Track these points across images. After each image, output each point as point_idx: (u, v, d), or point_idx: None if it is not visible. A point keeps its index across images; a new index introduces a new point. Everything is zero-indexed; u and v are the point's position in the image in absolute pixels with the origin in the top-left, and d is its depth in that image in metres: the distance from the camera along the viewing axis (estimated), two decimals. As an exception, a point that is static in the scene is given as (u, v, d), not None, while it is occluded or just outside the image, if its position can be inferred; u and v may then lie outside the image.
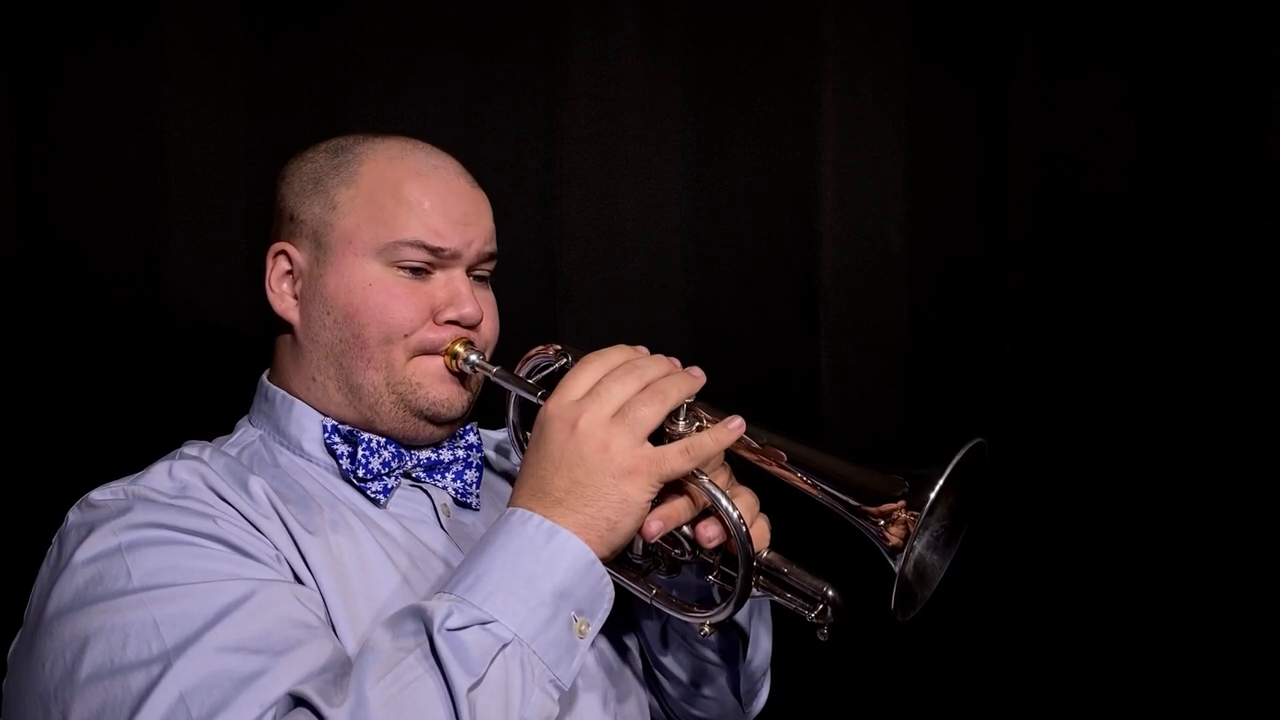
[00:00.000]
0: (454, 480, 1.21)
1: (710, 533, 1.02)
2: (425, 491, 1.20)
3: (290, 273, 1.18)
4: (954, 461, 0.94)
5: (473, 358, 1.15)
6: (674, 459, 0.98)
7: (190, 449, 1.13)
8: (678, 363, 1.06)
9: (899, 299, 1.94)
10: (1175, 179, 1.87)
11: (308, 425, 1.16)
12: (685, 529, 1.04)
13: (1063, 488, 1.90)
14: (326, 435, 1.15)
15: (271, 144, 1.67)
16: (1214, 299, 1.85)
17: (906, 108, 1.91)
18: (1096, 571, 1.89)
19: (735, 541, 1.00)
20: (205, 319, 1.70)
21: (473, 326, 1.17)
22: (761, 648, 1.26)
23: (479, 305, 1.17)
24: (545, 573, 0.93)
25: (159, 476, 1.05)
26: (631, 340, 1.08)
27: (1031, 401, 1.91)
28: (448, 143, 1.27)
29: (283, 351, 1.21)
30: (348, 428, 1.16)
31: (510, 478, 1.34)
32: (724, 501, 1.00)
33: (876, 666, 1.89)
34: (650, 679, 1.31)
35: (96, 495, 1.03)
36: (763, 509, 1.07)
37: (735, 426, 1.01)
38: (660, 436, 1.01)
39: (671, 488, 1.01)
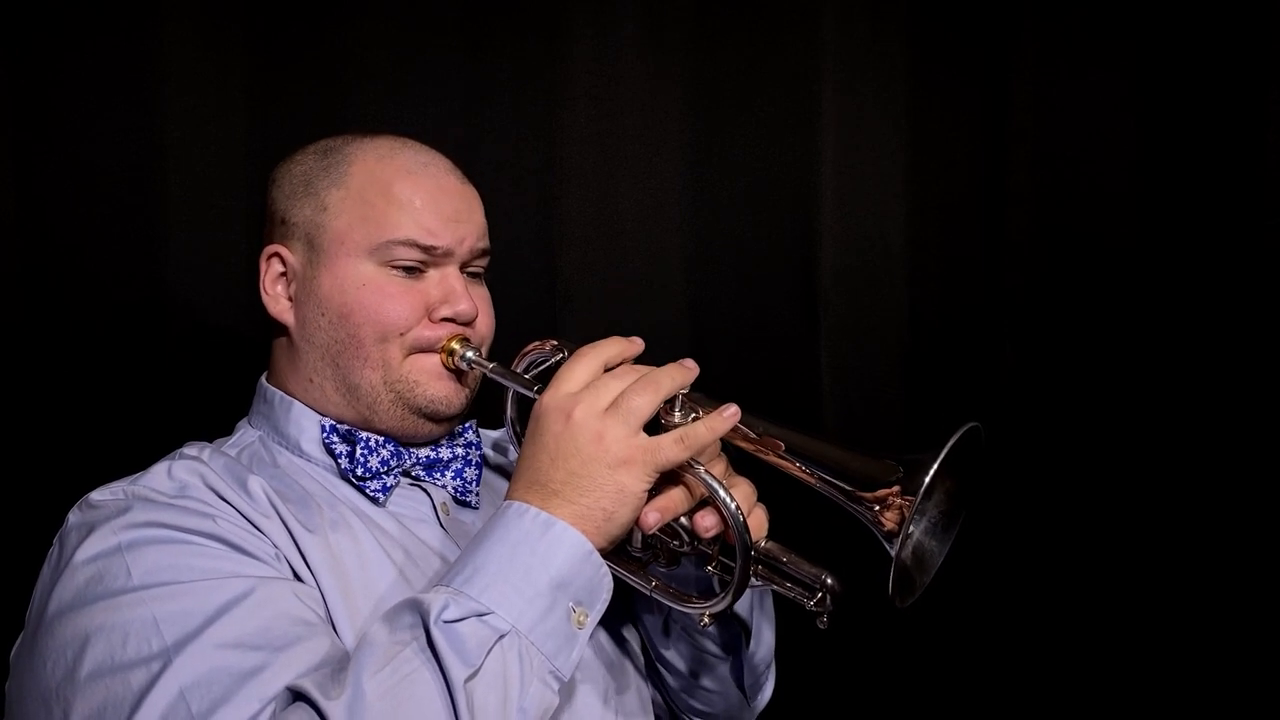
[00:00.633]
0: (453, 479, 1.21)
1: (708, 523, 1.02)
2: (424, 490, 1.20)
3: (284, 275, 1.18)
4: (948, 446, 0.94)
5: (469, 354, 1.15)
6: (669, 448, 0.98)
7: (190, 449, 1.13)
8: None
9: (899, 299, 1.94)
10: (1175, 179, 1.87)
11: (306, 425, 1.17)
12: (683, 520, 1.04)
13: (1063, 486, 1.90)
14: (325, 435, 1.15)
15: (271, 144, 1.67)
16: (1214, 299, 1.85)
17: (906, 108, 1.92)
18: (1096, 569, 1.89)
19: (733, 531, 1.01)
20: (205, 319, 1.70)
21: (468, 323, 1.17)
22: (764, 640, 1.26)
23: (473, 302, 1.17)
24: (542, 564, 0.93)
25: (158, 477, 1.06)
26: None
27: (1031, 401, 1.91)
28: (448, 143, 1.27)
29: (280, 353, 1.21)
30: (346, 427, 1.16)
31: (508, 475, 1.33)
32: (721, 491, 1.00)
33: (877, 654, 1.89)
34: (653, 673, 1.31)
35: (96, 496, 1.03)
36: (760, 498, 1.07)
37: (730, 414, 1.01)
38: (656, 428, 1.01)
39: (669, 479, 1.01)
